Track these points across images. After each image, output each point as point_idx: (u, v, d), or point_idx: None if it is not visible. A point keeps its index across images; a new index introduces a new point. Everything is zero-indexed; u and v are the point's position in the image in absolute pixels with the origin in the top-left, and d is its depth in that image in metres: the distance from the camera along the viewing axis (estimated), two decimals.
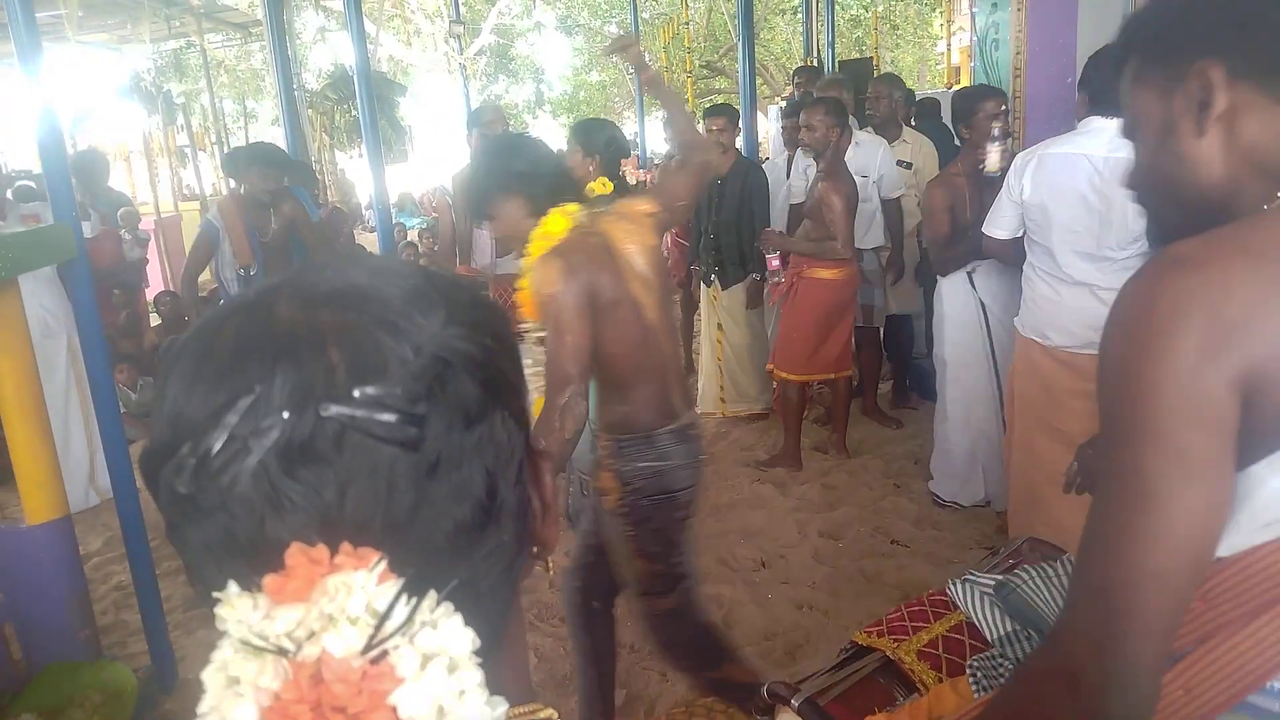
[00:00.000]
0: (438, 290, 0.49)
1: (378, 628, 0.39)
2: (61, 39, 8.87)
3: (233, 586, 0.40)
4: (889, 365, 5.20)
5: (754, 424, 4.99)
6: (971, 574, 1.55)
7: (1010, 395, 3.12)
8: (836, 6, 10.72)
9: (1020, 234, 2.94)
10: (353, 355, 0.43)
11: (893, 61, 18.22)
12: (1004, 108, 3.36)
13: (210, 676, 0.40)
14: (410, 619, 0.39)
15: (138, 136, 11.78)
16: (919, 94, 6.64)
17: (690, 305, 5.80)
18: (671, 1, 17.84)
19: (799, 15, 13.58)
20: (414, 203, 14.42)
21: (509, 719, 0.45)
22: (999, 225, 3.00)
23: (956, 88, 9.45)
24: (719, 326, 4.98)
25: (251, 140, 10.44)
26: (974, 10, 4.49)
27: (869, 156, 4.45)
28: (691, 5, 15.69)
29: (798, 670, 2.60)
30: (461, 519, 0.45)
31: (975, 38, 4.45)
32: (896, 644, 1.43)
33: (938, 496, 3.82)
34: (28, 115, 2.55)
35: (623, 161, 3.26)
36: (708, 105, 5.63)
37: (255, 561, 0.42)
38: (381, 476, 0.43)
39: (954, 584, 1.52)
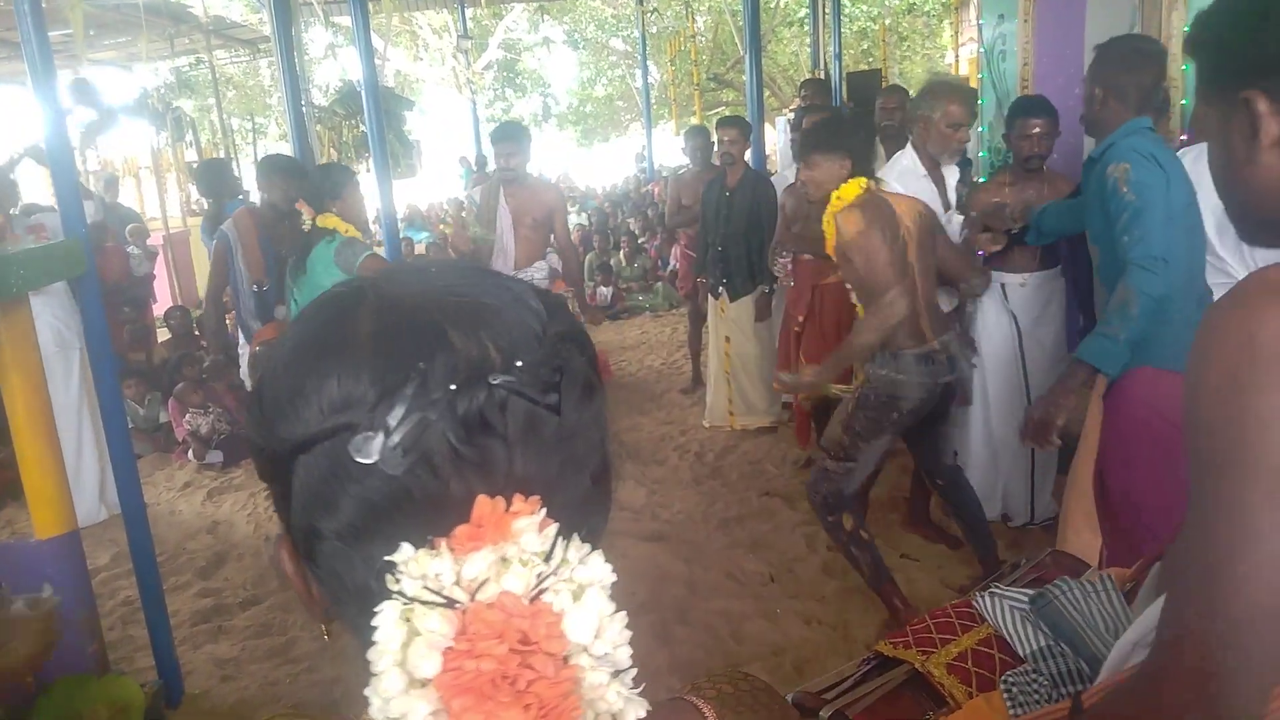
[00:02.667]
0: (516, 281, 0.56)
1: (546, 563, 0.46)
2: (73, 58, 8.94)
3: (407, 547, 0.46)
4: None
5: (763, 436, 4.97)
6: (998, 587, 1.52)
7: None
8: (844, 18, 10.74)
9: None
10: (501, 334, 0.50)
11: (900, 73, 18.24)
12: (1036, 130, 3.26)
13: (387, 633, 0.45)
14: (565, 558, 0.46)
15: (147, 152, 11.86)
16: None
17: (698, 317, 5.80)
18: (678, 15, 17.93)
19: (806, 27, 13.64)
20: (421, 217, 14.46)
21: None
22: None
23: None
24: (726, 338, 4.97)
25: (261, 155, 10.50)
26: (980, 22, 4.48)
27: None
28: (698, 18, 15.76)
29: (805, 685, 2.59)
30: (594, 474, 0.53)
31: (983, 49, 4.45)
32: (925, 656, 1.40)
33: None
34: (39, 133, 2.57)
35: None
36: (717, 117, 5.64)
37: (431, 517, 0.47)
38: (535, 439, 0.49)
39: (980, 597, 1.49)
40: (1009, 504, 3.65)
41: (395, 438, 0.47)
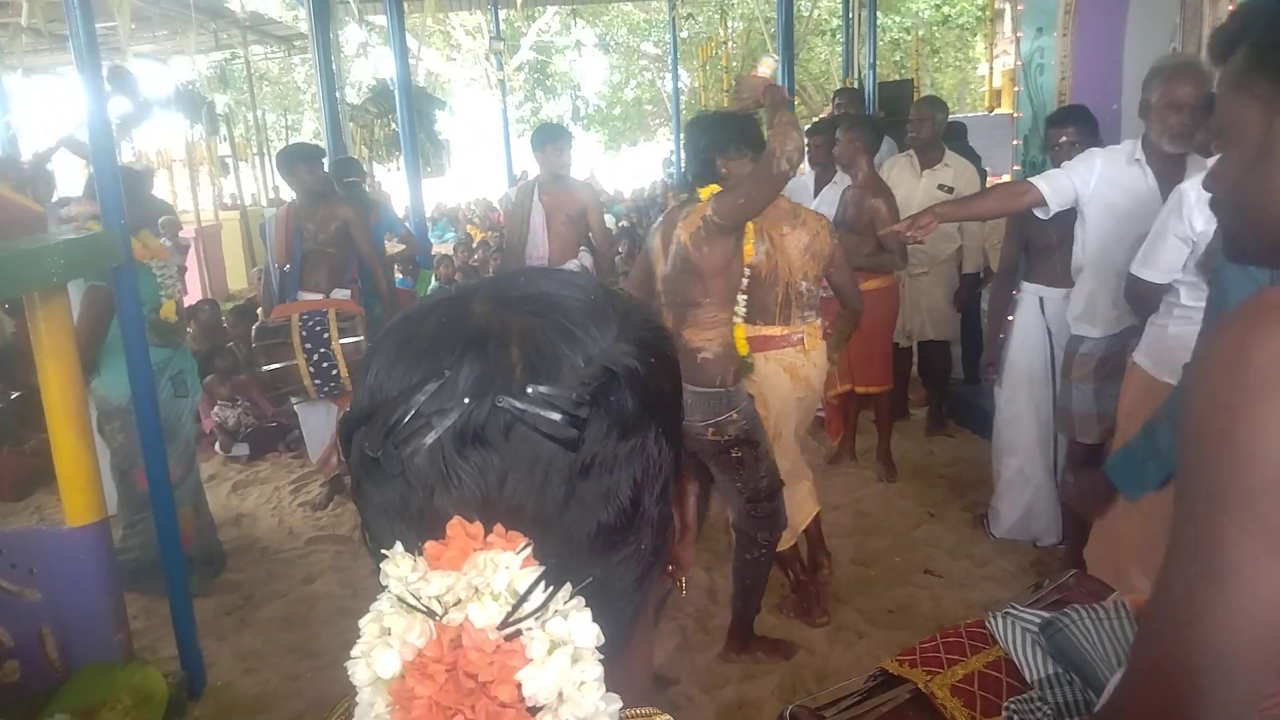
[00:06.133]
0: (615, 309, 0.53)
1: (515, 607, 0.43)
2: (115, 50, 9.06)
3: (398, 546, 0.46)
4: (926, 391, 5.15)
5: None
6: (1013, 607, 1.47)
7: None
8: (877, 28, 10.69)
9: (1178, 276, 2.52)
10: (531, 355, 0.48)
11: (933, 84, 18.13)
12: (1064, 138, 3.27)
13: (366, 625, 0.44)
14: (545, 605, 0.43)
15: (181, 145, 12.00)
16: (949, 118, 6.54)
17: None
18: (710, 20, 17.92)
19: (838, 36, 13.58)
20: (448, 216, 14.55)
21: (623, 719, 0.48)
22: (1157, 266, 2.53)
23: (994, 111, 9.36)
24: None
25: None
26: (1019, 35, 4.44)
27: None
28: (730, 24, 15.74)
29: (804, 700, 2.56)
30: (605, 520, 0.49)
31: (1020, 62, 4.41)
32: (930, 676, 1.36)
33: (995, 534, 3.67)
34: (81, 123, 2.60)
35: None
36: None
37: (421, 528, 0.47)
38: (539, 469, 0.47)
39: (994, 617, 1.44)
40: (1034, 524, 3.61)
41: (397, 437, 0.47)
